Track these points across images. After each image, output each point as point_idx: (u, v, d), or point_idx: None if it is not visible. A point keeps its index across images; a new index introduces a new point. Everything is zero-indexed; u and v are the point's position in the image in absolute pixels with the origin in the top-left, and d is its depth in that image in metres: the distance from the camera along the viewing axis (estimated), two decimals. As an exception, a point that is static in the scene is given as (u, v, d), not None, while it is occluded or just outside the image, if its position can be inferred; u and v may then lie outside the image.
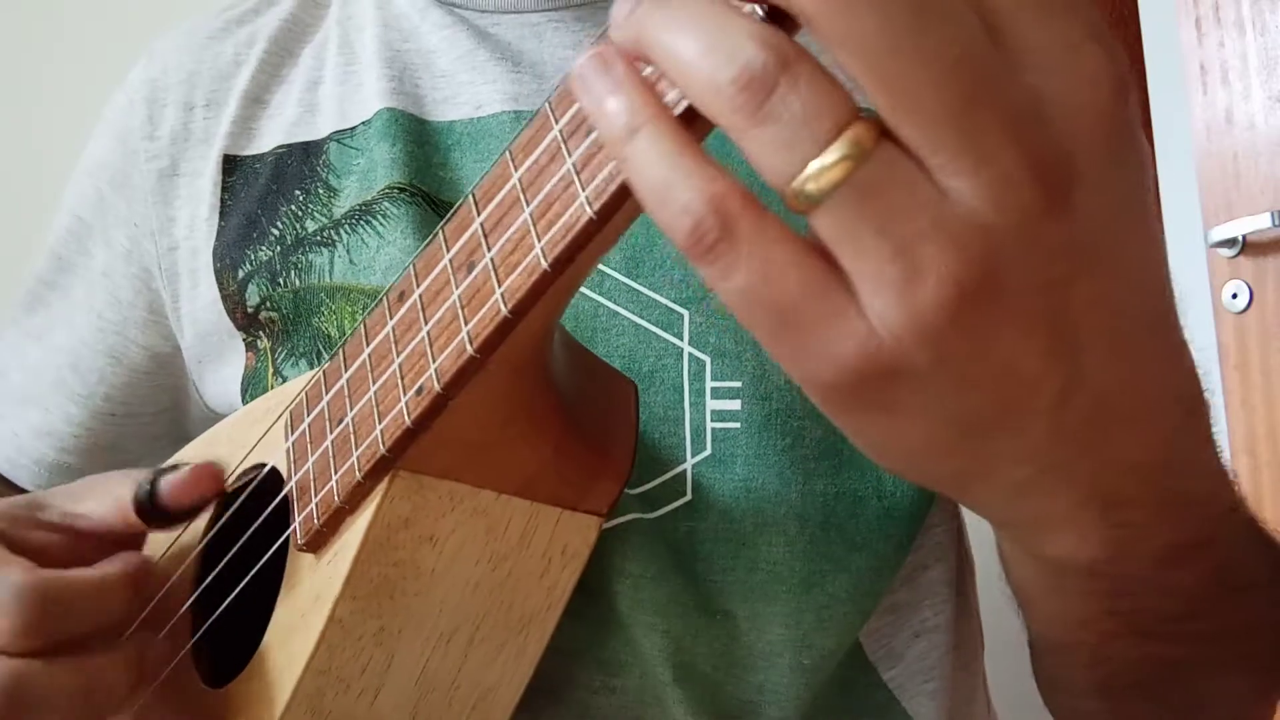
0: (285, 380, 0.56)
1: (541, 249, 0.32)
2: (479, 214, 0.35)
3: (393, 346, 0.39)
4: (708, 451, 0.49)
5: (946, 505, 0.57)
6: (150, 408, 0.66)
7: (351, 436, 0.40)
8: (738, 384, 0.50)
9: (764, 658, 0.49)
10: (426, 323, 0.37)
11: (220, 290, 0.59)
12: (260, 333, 0.58)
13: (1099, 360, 0.26)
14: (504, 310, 0.34)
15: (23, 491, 0.67)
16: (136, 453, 0.67)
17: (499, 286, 0.34)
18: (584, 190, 0.30)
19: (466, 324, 0.35)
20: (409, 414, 0.37)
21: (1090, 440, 0.28)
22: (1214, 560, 0.35)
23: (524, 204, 0.33)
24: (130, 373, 0.65)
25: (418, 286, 0.39)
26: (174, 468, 0.45)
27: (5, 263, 1.41)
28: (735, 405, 0.50)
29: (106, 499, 0.45)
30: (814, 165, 0.23)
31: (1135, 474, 0.30)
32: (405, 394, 0.38)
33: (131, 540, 0.47)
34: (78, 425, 0.65)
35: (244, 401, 0.58)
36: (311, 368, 0.55)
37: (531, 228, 0.32)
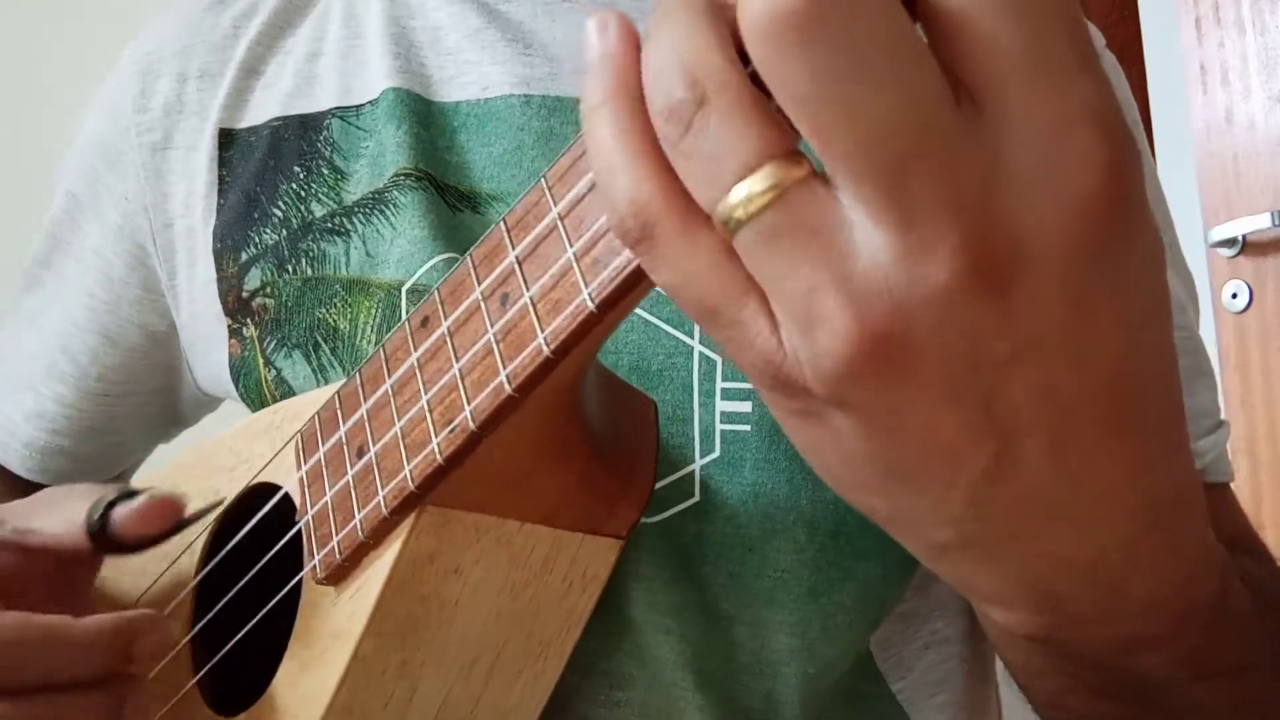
0: (278, 372, 0.54)
1: (589, 292, 0.30)
2: (513, 245, 0.34)
3: (418, 376, 0.38)
4: (716, 453, 0.48)
5: None
6: (144, 386, 0.64)
7: (375, 470, 0.39)
8: (749, 386, 0.48)
9: (769, 665, 0.48)
10: (458, 357, 0.36)
11: (218, 272, 0.57)
12: (248, 320, 0.56)
13: (1037, 451, 0.24)
14: (546, 351, 0.32)
15: (14, 477, 0.67)
16: (129, 434, 0.66)
17: (540, 328, 0.32)
18: None
19: (505, 364, 0.34)
20: (440, 452, 0.36)
21: (1019, 529, 0.26)
22: (1181, 651, 0.33)
23: (565, 239, 0.31)
24: (125, 352, 0.63)
25: (445, 316, 0.37)
26: (132, 494, 0.43)
27: (5, 262, 1.41)
28: (746, 407, 0.48)
29: (58, 516, 0.43)
30: (740, 190, 0.23)
31: (1073, 572, 0.28)
32: (436, 432, 0.37)
33: (89, 559, 0.45)
34: (70, 407, 0.64)
35: (237, 389, 0.56)
36: (307, 360, 0.53)
37: (575, 264, 0.31)
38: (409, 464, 0.38)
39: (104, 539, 0.41)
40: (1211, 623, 0.33)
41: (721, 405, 0.48)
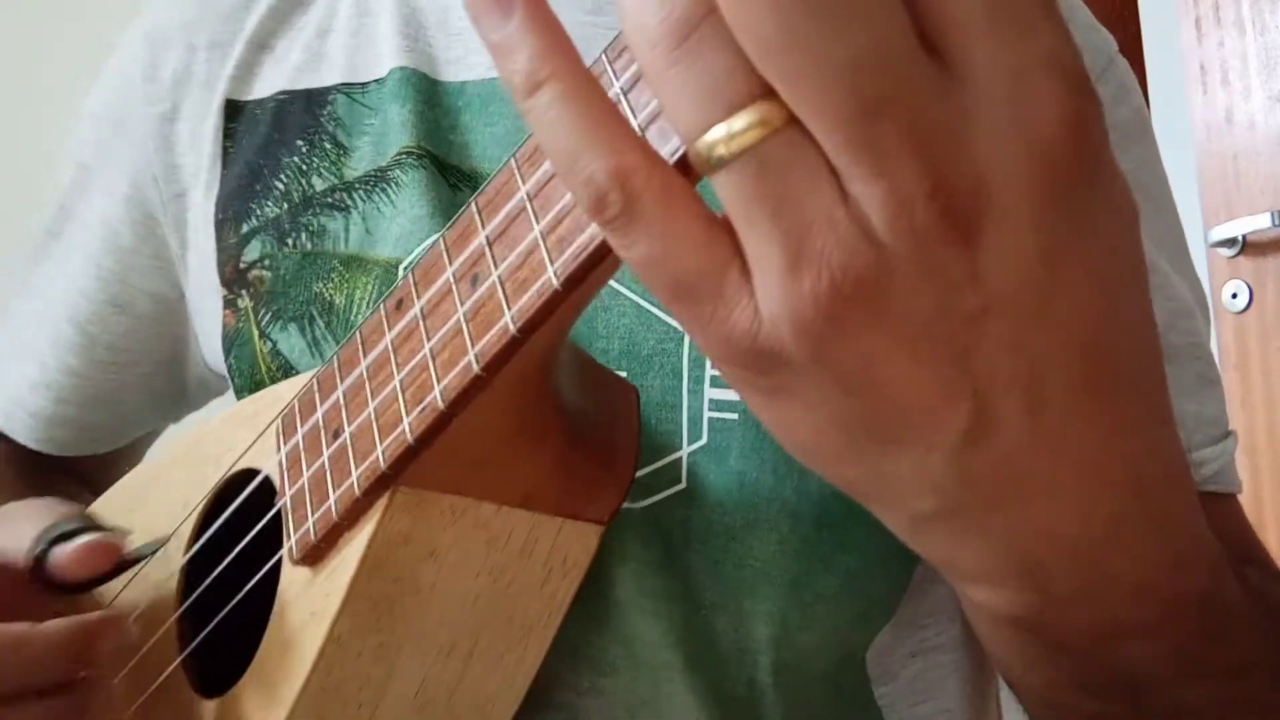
0: (273, 343, 0.54)
1: (554, 269, 0.31)
2: (483, 226, 0.34)
3: (392, 358, 0.38)
4: (704, 440, 0.48)
5: None
6: (152, 357, 0.64)
7: (349, 451, 0.39)
8: None
9: (749, 654, 0.48)
10: (429, 338, 0.37)
11: (218, 243, 0.57)
12: (244, 291, 0.56)
13: (1014, 415, 0.24)
14: (512, 330, 0.33)
15: (19, 450, 0.67)
16: (136, 406, 0.66)
17: (507, 306, 0.33)
18: None
19: (473, 343, 0.34)
20: (411, 432, 0.37)
21: (1000, 496, 0.26)
22: (1171, 644, 0.32)
23: (532, 218, 0.32)
24: (134, 320, 0.63)
25: (418, 298, 0.37)
26: (75, 532, 0.43)
27: (5, 262, 1.41)
28: (734, 396, 0.48)
29: (18, 535, 0.43)
30: (721, 129, 0.22)
31: (1057, 545, 0.28)
32: (408, 412, 0.37)
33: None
34: (77, 376, 0.64)
35: (228, 360, 0.57)
36: (302, 333, 0.54)
37: (541, 243, 0.31)
38: (381, 444, 0.38)
39: (41, 579, 0.41)
40: (1203, 618, 0.33)
41: (710, 393, 0.48)
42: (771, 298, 0.23)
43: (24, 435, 0.66)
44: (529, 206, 0.32)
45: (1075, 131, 0.22)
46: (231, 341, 0.56)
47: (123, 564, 0.43)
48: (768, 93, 0.22)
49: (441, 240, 0.37)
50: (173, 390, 0.66)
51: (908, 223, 0.22)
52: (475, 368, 0.34)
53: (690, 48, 0.22)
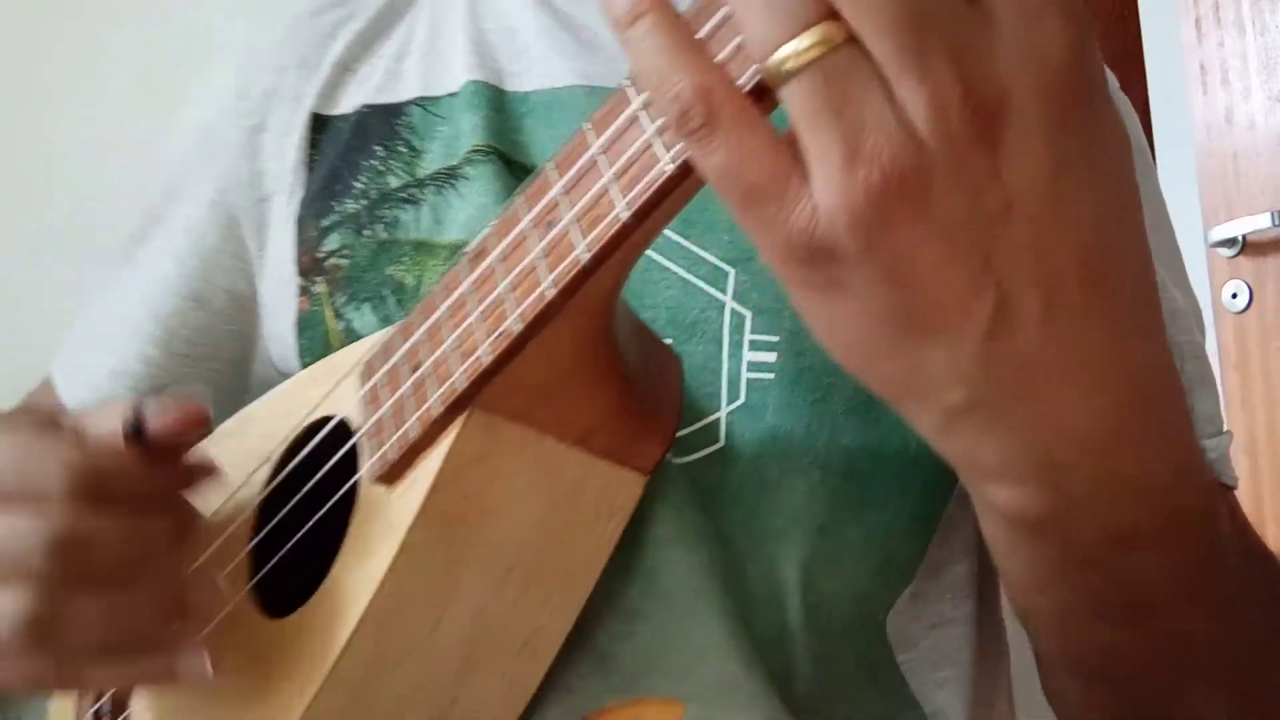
0: (347, 321, 0.60)
1: (624, 202, 0.35)
2: (559, 178, 0.39)
3: (471, 297, 0.43)
4: (742, 400, 0.52)
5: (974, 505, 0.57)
6: (222, 354, 0.69)
7: (431, 378, 0.43)
8: (775, 338, 0.53)
9: (778, 598, 0.51)
10: (507, 274, 0.41)
11: (298, 237, 0.64)
12: (319, 278, 0.62)
13: (1031, 309, 0.28)
14: (585, 259, 0.37)
15: None
16: (201, 402, 0.72)
17: (582, 237, 0.37)
18: (666, 152, 0.34)
19: (548, 272, 0.39)
20: (489, 353, 0.41)
21: (1021, 388, 0.30)
22: (1173, 559, 0.36)
23: (603, 168, 0.37)
24: (210, 315, 0.68)
25: (496, 244, 0.42)
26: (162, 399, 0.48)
27: (6, 262, 1.41)
28: (771, 358, 0.53)
29: (106, 421, 0.47)
30: (790, 46, 0.27)
31: (1073, 440, 0.31)
32: (487, 337, 0.41)
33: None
34: (153, 365, 0.69)
35: (300, 340, 0.62)
36: (375, 311, 0.59)
37: (613, 184, 0.36)
38: (460, 367, 0.42)
39: (136, 437, 0.45)
40: (1199, 537, 0.37)
41: (749, 356, 0.53)
42: (830, 191, 0.27)
43: None
44: (600, 159, 0.37)
45: (1077, 60, 0.27)
46: (305, 324, 0.62)
47: (208, 429, 0.47)
48: (829, 16, 0.27)
49: (517, 198, 0.41)
50: (236, 389, 0.70)
51: (944, 124, 0.26)
52: (550, 293, 0.39)
53: None
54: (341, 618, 0.43)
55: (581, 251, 0.37)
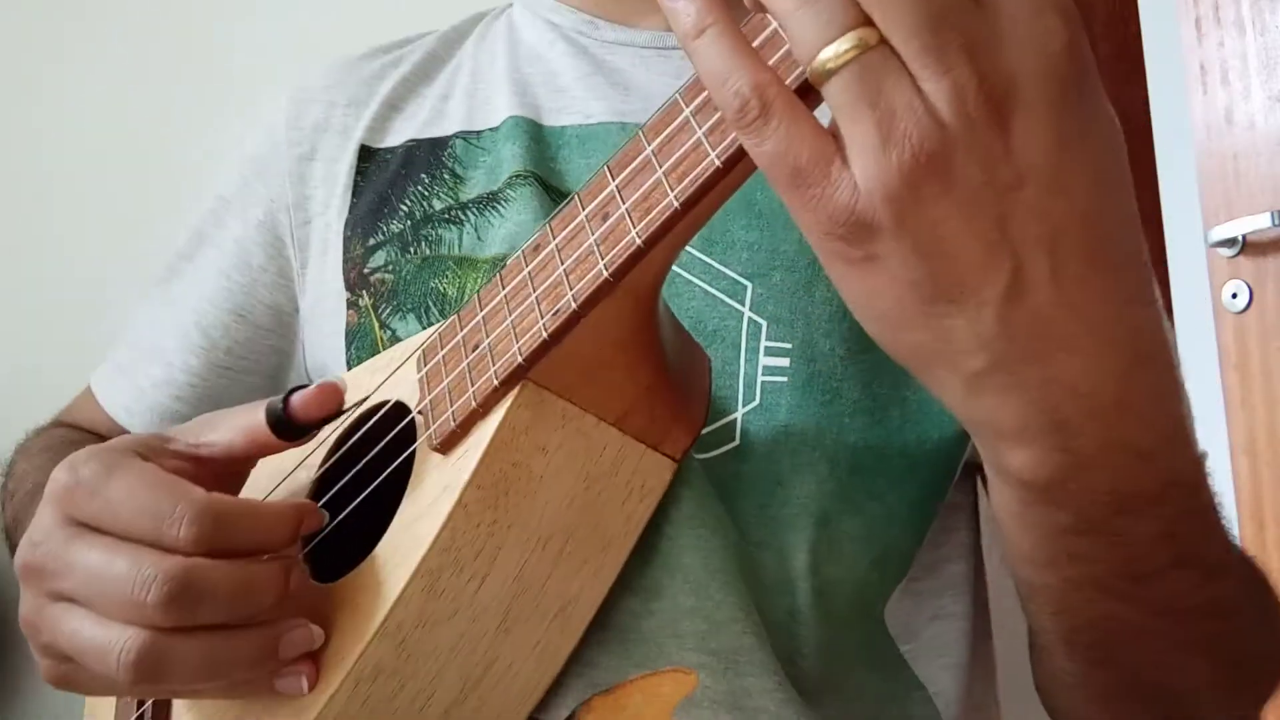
0: (392, 331, 0.64)
1: (675, 193, 0.40)
2: (614, 178, 0.44)
3: (529, 283, 0.47)
4: (756, 401, 0.57)
5: (969, 512, 0.64)
6: (261, 368, 0.74)
7: (489, 355, 0.47)
8: (788, 345, 0.58)
9: (789, 583, 0.55)
10: (563, 262, 0.45)
11: (345, 254, 0.68)
12: (364, 291, 0.67)
13: (1042, 273, 0.33)
14: (638, 242, 0.42)
15: None
16: None
17: (634, 225, 0.42)
18: (713, 149, 0.39)
19: (603, 257, 0.43)
20: (546, 329, 0.45)
21: (1035, 351, 0.34)
22: (1163, 522, 0.40)
23: (656, 165, 0.41)
24: (253, 329, 0.73)
25: (554, 238, 0.46)
26: (300, 387, 0.51)
27: (6, 262, 1.41)
28: (785, 363, 0.58)
29: (229, 429, 0.51)
30: (831, 49, 0.32)
31: (1080, 401, 0.35)
32: (544, 315, 0.45)
33: (244, 468, 0.53)
34: (196, 376, 0.74)
35: (349, 353, 0.66)
36: (419, 320, 0.64)
37: (664, 179, 0.41)
38: (518, 343, 0.46)
39: (285, 423, 0.50)
40: (1189, 503, 0.41)
41: (764, 361, 0.58)
42: (868, 171, 0.32)
43: (142, 429, 0.74)
44: (653, 158, 0.42)
45: (1073, 53, 0.32)
46: (354, 336, 0.67)
47: (341, 410, 0.52)
48: (863, 23, 0.32)
49: (576, 196, 0.46)
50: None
51: (963, 108, 0.31)
52: (605, 273, 0.43)
53: None
54: (397, 572, 0.46)
55: (634, 235, 0.42)
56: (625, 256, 0.42)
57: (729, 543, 0.53)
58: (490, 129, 0.69)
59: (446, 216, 0.67)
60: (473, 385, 0.47)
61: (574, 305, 0.44)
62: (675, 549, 0.52)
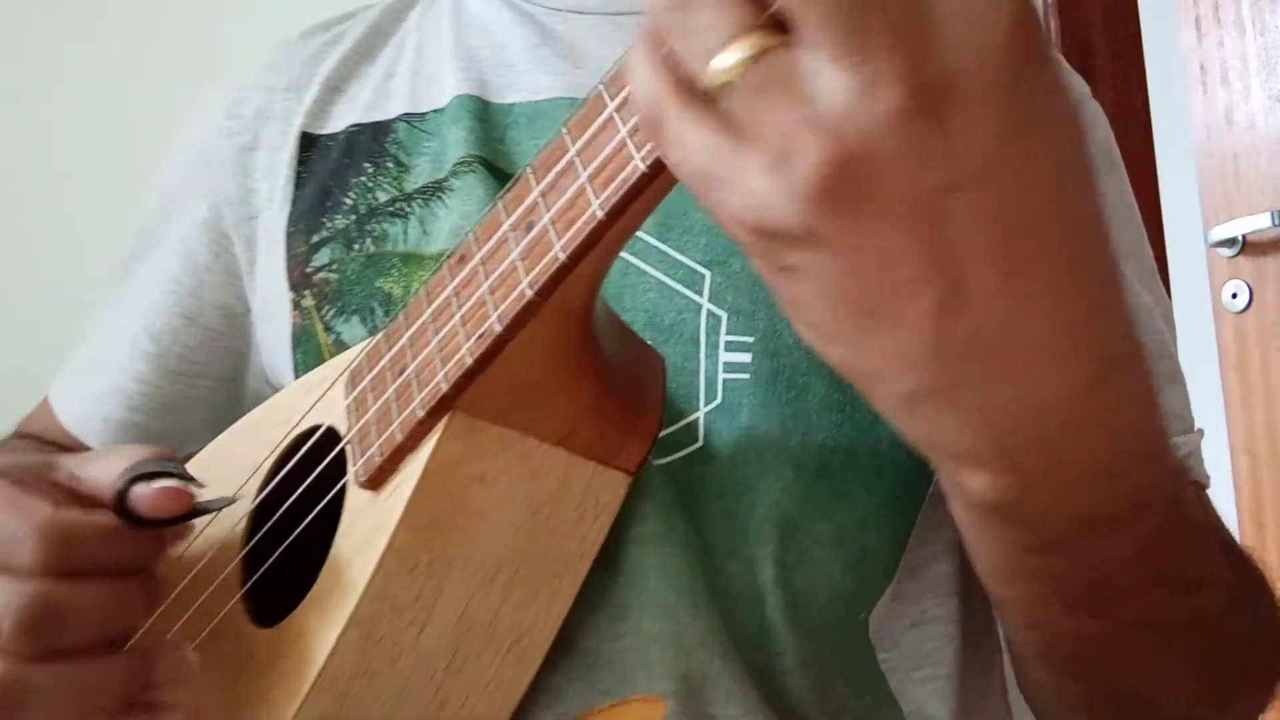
0: (336, 334, 0.61)
1: (598, 202, 0.36)
2: (537, 183, 0.40)
3: (453, 301, 0.43)
4: (718, 400, 0.53)
5: None
6: (215, 370, 0.70)
7: (414, 382, 0.44)
8: (750, 339, 0.54)
9: (759, 596, 0.52)
10: (488, 278, 0.42)
11: (288, 252, 0.65)
12: (308, 292, 0.63)
13: (985, 284, 0.28)
14: (562, 257, 0.38)
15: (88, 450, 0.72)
16: (196, 419, 0.71)
17: (557, 238, 0.38)
18: (637, 152, 0.35)
19: (526, 273, 0.40)
20: (471, 354, 0.41)
21: (978, 369, 0.30)
22: (1139, 542, 0.36)
23: (579, 169, 0.38)
24: (204, 332, 0.69)
25: (478, 249, 0.43)
26: (157, 474, 0.46)
27: (5, 261, 1.41)
28: (746, 358, 0.54)
29: (108, 469, 0.47)
30: (718, 60, 0.28)
31: (1035, 420, 0.31)
32: (468, 339, 0.42)
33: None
34: (148, 384, 0.70)
35: (295, 355, 0.63)
36: (363, 323, 0.60)
37: (588, 186, 0.37)
38: (443, 369, 0.43)
39: (123, 511, 0.45)
40: (1167, 520, 0.37)
41: (725, 356, 0.54)
42: (775, 180, 0.28)
43: (96, 440, 0.72)
44: (576, 160, 0.38)
45: (1020, 37, 0.27)
46: (299, 338, 0.63)
47: (194, 512, 0.46)
48: (754, 25, 0.28)
49: (499, 201, 0.42)
50: (229, 407, 0.71)
51: (885, 104, 0.26)
52: (529, 293, 0.39)
53: (693, 8, 0.28)
54: (329, 621, 0.44)
55: (558, 251, 0.38)
56: (550, 274, 0.39)
57: (695, 559, 0.50)
58: (436, 110, 0.65)
59: (391, 209, 0.63)
60: (398, 416, 0.44)
61: (499, 329, 0.40)
62: (641, 568, 0.50)
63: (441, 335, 0.43)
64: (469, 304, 0.42)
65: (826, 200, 0.27)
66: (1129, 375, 0.32)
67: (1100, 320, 0.31)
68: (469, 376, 0.42)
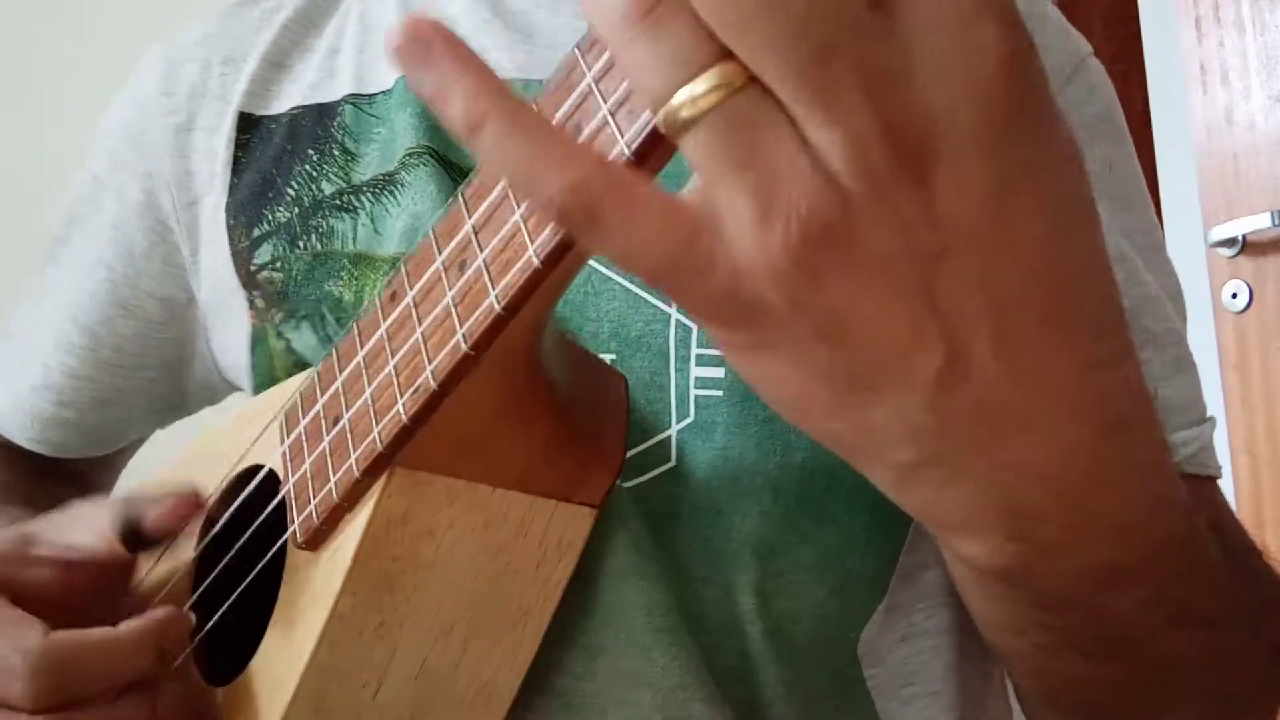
0: (288, 342, 0.57)
1: (535, 248, 0.32)
2: (469, 214, 0.36)
3: (386, 346, 0.40)
4: (691, 418, 0.50)
5: None
6: (155, 361, 0.65)
7: (348, 436, 0.41)
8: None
9: (738, 625, 0.49)
10: (420, 322, 0.38)
11: (231, 246, 0.60)
12: (256, 293, 0.58)
13: (986, 350, 0.26)
14: (497, 308, 0.34)
15: (19, 451, 0.68)
16: (134, 411, 0.67)
17: (492, 286, 0.34)
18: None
19: (461, 323, 0.36)
20: (405, 412, 0.38)
21: (979, 437, 0.27)
22: (1152, 589, 0.34)
23: (514, 204, 0.34)
24: (142, 323, 0.64)
25: (410, 288, 0.39)
26: (152, 497, 0.46)
27: (6, 262, 1.41)
28: (719, 373, 0.50)
29: (91, 532, 0.46)
30: (685, 92, 0.24)
31: (1040, 485, 0.29)
32: (401, 393, 0.38)
33: (124, 565, 0.48)
34: (79, 378, 0.65)
35: (252, 357, 0.58)
36: (314, 330, 0.56)
37: (523, 226, 0.33)
38: (377, 426, 0.39)
39: (138, 540, 0.45)
40: (1182, 562, 0.34)
41: (696, 371, 0.50)
42: (745, 251, 0.24)
43: (20, 436, 0.67)
44: (511, 193, 0.34)
45: (1011, 70, 0.23)
46: (255, 341, 0.58)
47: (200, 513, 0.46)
48: (725, 56, 0.23)
49: (432, 232, 0.38)
50: (173, 396, 0.67)
51: (864, 164, 0.23)
52: (464, 347, 0.36)
53: (652, 19, 0.24)
54: (279, 689, 0.42)
55: (494, 299, 0.34)
56: (485, 326, 0.35)
57: (670, 592, 0.48)
58: (383, 91, 0.59)
59: (338, 203, 0.58)
60: (334, 474, 0.41)
61: (433, 385, 0.37)
62: (614, 604, 0.47)
63: (374, 386, 0.40)
64: (402, 352, 0.39)
65: (810, 265, 0.24)
66: (1139, 427, 0.30)
67: (1106, 374, 0.28)
68: (406, 433, 0.39)
